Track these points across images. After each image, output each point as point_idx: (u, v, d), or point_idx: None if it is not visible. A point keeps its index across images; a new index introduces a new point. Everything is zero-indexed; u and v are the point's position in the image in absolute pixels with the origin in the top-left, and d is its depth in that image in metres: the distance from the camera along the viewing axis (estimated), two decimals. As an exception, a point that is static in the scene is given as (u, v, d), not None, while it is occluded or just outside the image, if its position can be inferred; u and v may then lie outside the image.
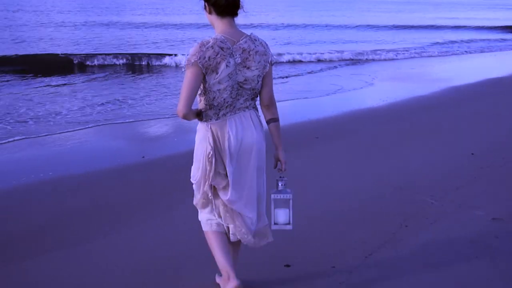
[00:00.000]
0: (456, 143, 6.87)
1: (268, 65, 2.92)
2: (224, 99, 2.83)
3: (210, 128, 2.87)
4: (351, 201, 4.86)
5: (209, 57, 2.73)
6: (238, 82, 2.84)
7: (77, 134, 7.38)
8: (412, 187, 5.23)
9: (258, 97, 3.02)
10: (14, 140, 6.88)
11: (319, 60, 15.95)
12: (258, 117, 3.03)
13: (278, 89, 11.64)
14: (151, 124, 8.03)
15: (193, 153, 3.02)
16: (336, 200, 4.91)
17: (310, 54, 16.48)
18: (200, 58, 2.72)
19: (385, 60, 16.88)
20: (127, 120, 8.21)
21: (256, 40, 2.90)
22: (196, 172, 2.98)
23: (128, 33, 21.56)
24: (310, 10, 41.19)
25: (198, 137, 2.96)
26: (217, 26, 2.88)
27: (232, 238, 3.08)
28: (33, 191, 5.17)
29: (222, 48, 2.77)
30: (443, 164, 5.99)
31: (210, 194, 2.96)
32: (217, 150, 2.88)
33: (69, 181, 5.43)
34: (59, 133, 7.35)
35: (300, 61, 15.47)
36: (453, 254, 3.86)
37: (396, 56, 17.79)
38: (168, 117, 8.28)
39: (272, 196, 3.04)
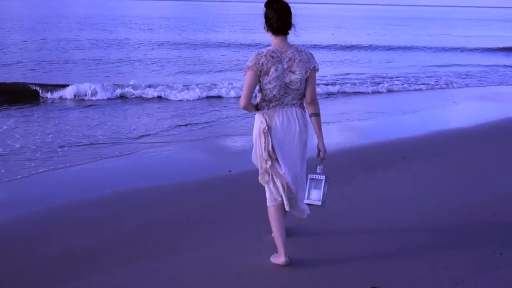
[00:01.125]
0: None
1: (309, 70, 3.67)
2: (274, 95, 3.68)
3: (263, 115, 3.74)
4: (440, 225, 4.70)
5: (262, 63, 3.60)
6: (285, 83, 3.66)
7: (168, 148, 7.68)
8: (507, 212, 4.98)
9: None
10: (113, 156, 7.25)
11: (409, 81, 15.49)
12: (303, 114, 3.79)
13: (359, 108, 11.53)
14: (238, 139, 8.19)
15: None
16: (424, 223, 4.76)
17: (400, 76, 16.12)
18: (255, 63, 3.60)
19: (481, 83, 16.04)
20: (215, 136, 8.43)
21: (301, 51, 3.70)
22: (254, 151, 3.85)
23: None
24: (413, 29, 40.01)
25: (255, 123, 3.83)
26: (273, 41, 3.72)
27: (286, 208, 3.82)
28: (124, 200, 5.41)
29: (272, 57, 3.62)
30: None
31: (267, 164, 3.74)
32: (269, 130, 3.71)
33: (159, 191, 5.64)
34: (150, 148, 7.67)
35: (387, 81, 15.03)
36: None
37: (487, 78, 16.98)
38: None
39: (310, 175, 3.76)
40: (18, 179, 6.14)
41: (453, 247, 4.23)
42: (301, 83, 3.66)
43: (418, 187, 5.73)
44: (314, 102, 3.74)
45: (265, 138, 3.70)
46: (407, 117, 10.33)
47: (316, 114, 3.76)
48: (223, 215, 4.94)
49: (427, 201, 5.30)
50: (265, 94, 3.68)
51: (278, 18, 3.60)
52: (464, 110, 11.30)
